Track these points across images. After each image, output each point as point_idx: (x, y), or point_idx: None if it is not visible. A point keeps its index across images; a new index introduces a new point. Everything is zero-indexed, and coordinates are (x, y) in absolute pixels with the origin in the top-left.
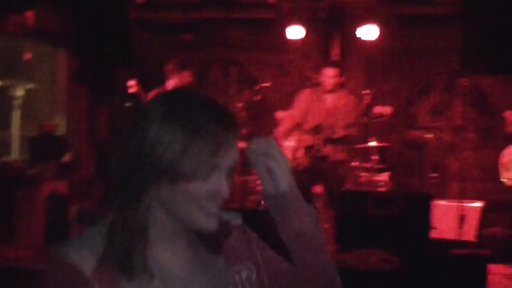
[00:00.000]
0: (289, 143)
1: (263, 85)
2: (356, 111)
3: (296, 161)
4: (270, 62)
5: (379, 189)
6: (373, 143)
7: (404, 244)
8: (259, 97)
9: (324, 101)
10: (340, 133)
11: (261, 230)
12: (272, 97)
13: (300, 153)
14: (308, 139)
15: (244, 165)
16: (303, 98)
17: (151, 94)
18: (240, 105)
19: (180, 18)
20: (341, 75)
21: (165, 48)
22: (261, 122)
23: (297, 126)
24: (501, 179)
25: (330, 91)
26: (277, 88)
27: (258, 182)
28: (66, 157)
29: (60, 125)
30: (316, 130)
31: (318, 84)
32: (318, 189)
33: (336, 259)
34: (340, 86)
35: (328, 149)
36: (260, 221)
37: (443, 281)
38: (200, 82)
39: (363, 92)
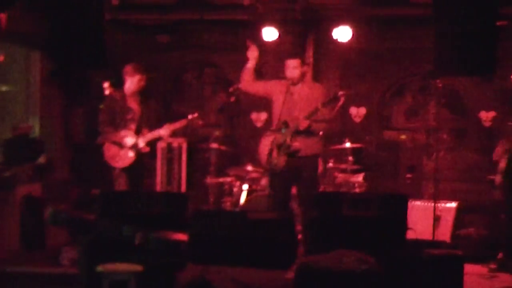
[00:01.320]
0: (264, 145)
1: (238, 86)
2: (322, 98)
3: (274, 162)
4: (245, 63)
5: (355, 190)
6: (348, 144)
7: (380, 245)
8: (234, 98)
9: (292, 94)
10: (304, 123)
11: (239, 232)
12: (247, 99)
13: (275, 153)
14: (279, 137)
15: (219, 166)
16: (271, 83)
17: (114, 95)
18: (215, 106)
19: (154, 20)
20: (303, 65)
21: (140, 49)
22: (236, 124)
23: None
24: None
25: (295, 84)
26: None
27: (233, 183)
28: (41, 160)
29: (34, 127)
30: (284, 126)
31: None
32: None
33: (310, 260)
34: (303, 76)
35: (298, 143)
36: (237, 223)
37: (419, 281)
38: (175, 83)
39: (339, 93)
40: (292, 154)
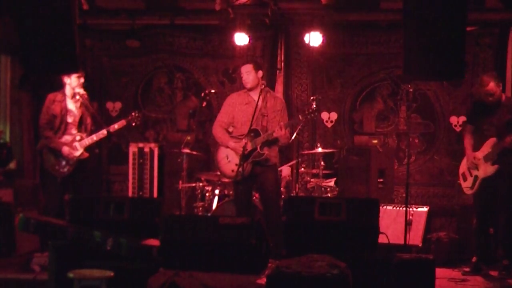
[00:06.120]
0: (232, 151)
1: (209, 91)
2: (285, 111)
3: (239, 170)
4: (216, 68)
5: (326, 194)
6: (319, 149)
7: (351, 250)
8: (205, 103)
9: (252, 103)
10: (274, 134)
11: (210, 237)
12: (218, 104)
13: (242, 160)
14: (248, 146)
15: (191, 171)
16: (230, 102)
17: (55, 97)
18: (186, 111)
19: (125, 25)
20: (257, 69)
21: (110, 54)
22: (208, 129)
23: (229, 132)
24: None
25: (251, 89)
26: (223, 94)
27: (206, 188)
28: (11, 165)
29: (4, 133)
30: (254, 134)
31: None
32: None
33: (282, 264)
34: (258, 80)
35: (267, 152)
36: (209, 228)
37: (390, 286)
38: (145, 88)
39: (311, 98)
40: (259, 163)
